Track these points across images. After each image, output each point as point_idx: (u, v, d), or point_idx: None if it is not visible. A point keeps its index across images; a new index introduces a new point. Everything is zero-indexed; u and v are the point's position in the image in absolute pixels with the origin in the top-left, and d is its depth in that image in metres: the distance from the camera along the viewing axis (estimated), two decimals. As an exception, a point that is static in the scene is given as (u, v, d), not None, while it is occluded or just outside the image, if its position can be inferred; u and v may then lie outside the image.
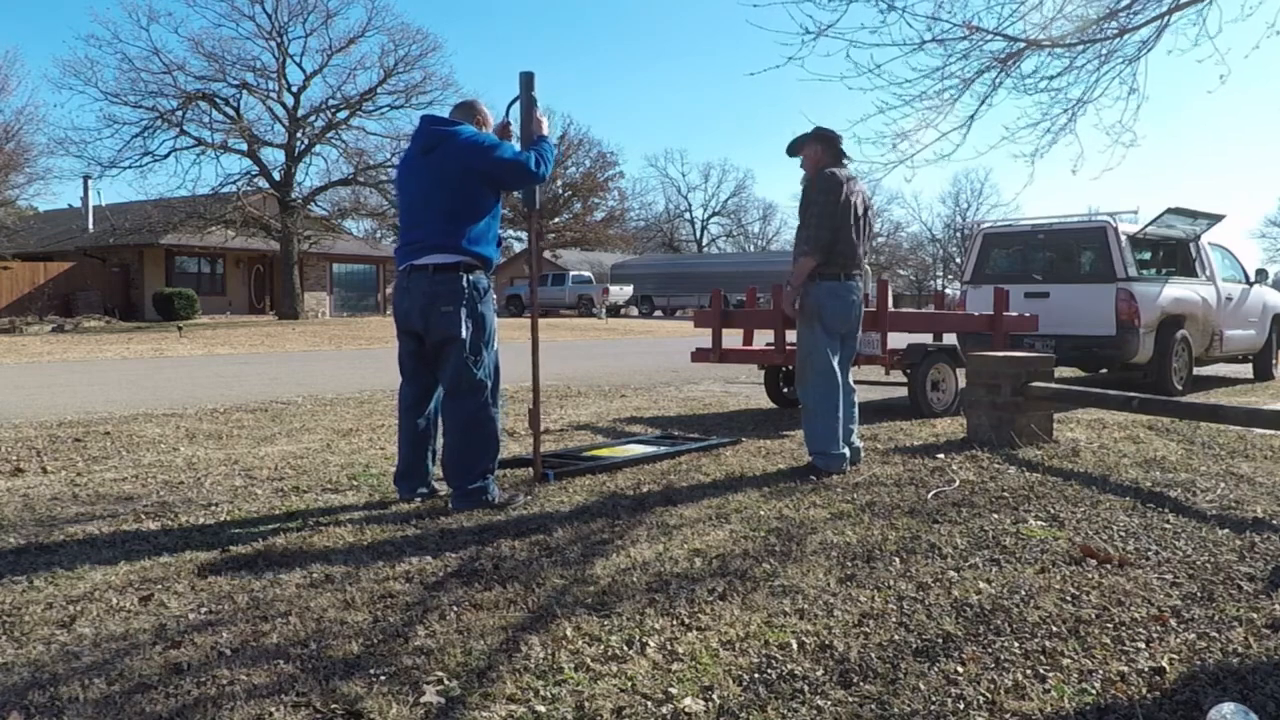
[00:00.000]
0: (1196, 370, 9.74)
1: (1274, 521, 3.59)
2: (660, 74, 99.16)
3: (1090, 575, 2.97)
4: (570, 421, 6.80)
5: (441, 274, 3.96)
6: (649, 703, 2.13)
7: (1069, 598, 2.78)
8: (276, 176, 28.44)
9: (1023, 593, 2.81)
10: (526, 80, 4.38)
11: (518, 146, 4.31)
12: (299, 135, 29.09)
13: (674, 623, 2.61)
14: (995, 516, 3.68)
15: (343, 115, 29.56)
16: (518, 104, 4.40)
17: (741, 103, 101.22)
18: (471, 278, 4.00)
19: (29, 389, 9.58)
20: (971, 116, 5.64)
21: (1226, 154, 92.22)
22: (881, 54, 5.45)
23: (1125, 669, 2.29)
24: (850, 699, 2.15)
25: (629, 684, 2.23)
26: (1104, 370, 9.97)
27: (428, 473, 4.22)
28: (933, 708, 2.11)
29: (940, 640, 2.47)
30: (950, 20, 5.28)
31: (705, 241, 71.89)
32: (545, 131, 4.33)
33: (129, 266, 30.51)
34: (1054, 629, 2.54)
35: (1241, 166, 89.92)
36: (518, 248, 41.56)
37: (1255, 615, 2.63)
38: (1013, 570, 3.04)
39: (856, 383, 8.64)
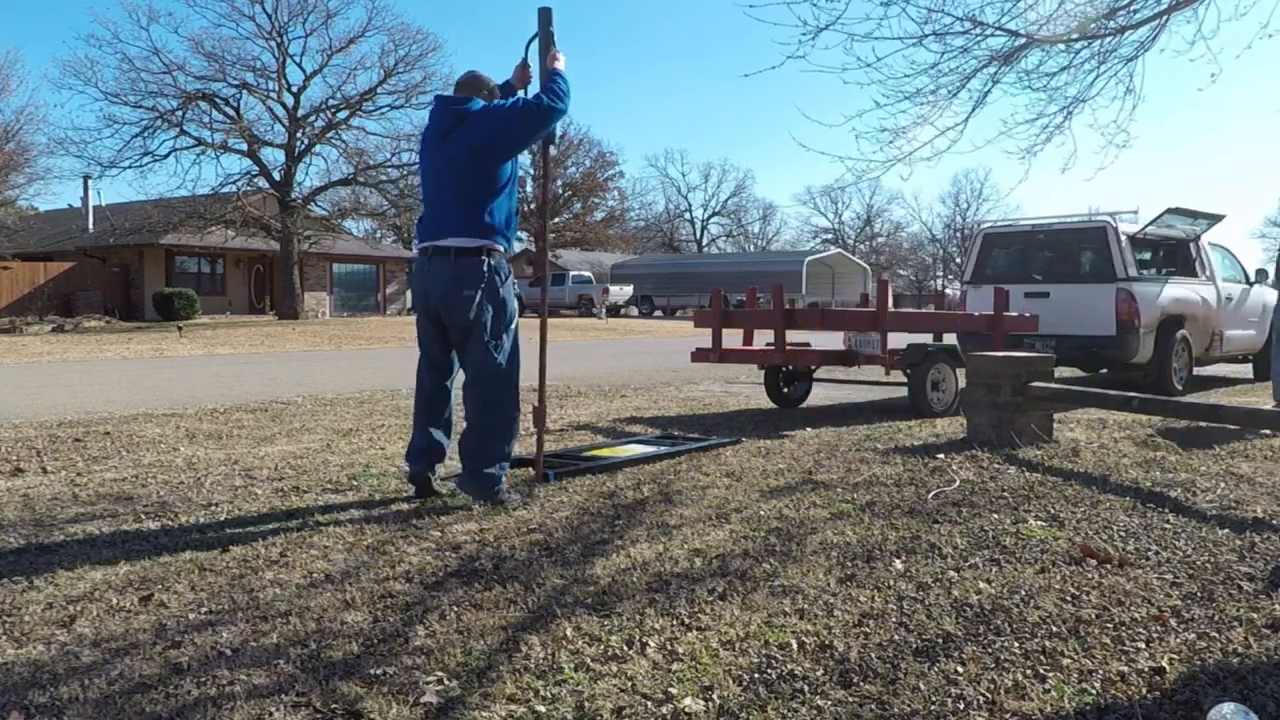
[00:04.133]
0: (1196, 370, 9.74)
1: (1274, 521, 3.59)
2: (660, 74, 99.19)
3: (1090, 575, 2.97)
4: (570, 421, 6.80)
5: (464, 258, 3.98)
6: (649, 703, 2.13)
7: (1069, 598, 2.78)
8: (276, 176, 28.45)
9: (1023, 593, 2.81)
10: (545, 16, 4.33)
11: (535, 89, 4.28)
12: (299, 135, 29.10)
13: (674, 623, 2.61)
14: (995, 516, 3.68)
15: (343, 115, 29.60)
16: (536, 41, 4.34)
17: (741, 103, 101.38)
18: (493, 262, 4.03)
19: (29, 389, 9.58)
20: (969, 114, 5.64)
21: (1226, 153, 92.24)
22: (881, 48, 5.43)
23: (1125, 669, 2.29)
24: (850, 699, 2.15)
25: (629, 684, 2.22)
26: (1104, 370, 9.97)
27: (443, 451, 4.24)
28: (933, 708, 2.11)
29: (940, 640, 2.47)
30: (951, 14, 5.28)
31: (705, 241, 71.91)
32: (560, 66, 4.25)
33: (129, 266, 30.50)
34: (1054, 629, 2.54)
35: (1241, 166, 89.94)
36: (517, 248, 41.63)
37: (1255, 615, 2.63)
38: (1013, 570, 3.04)
39: (856, 382, 8.69)
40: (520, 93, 4.35)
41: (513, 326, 4.15)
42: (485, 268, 4.00)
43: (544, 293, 4.48)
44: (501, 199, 4.07)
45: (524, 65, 4.39)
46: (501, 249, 4.07)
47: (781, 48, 5.40)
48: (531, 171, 36.15)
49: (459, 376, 4.28)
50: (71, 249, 30.69)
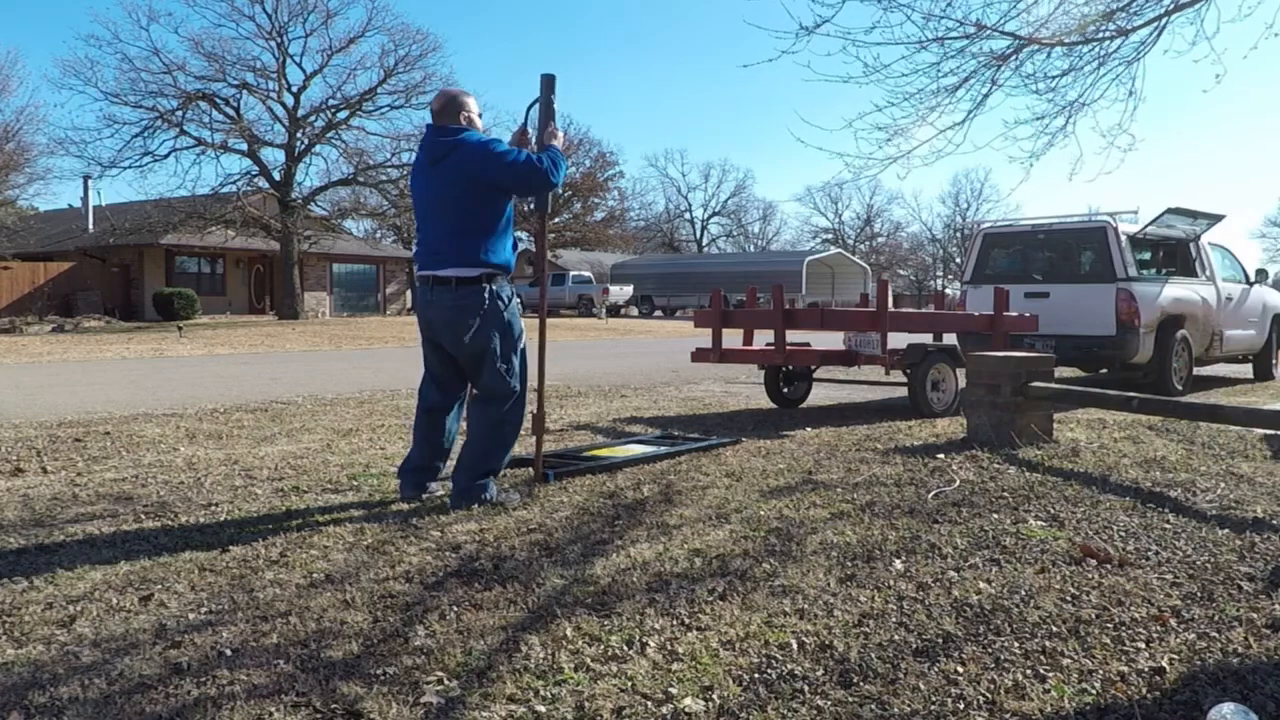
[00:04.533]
0: (1196, 370, 9.74)
1: (1274, 521, 3.59)
2: (660, 74, 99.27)
3: (1090, 575, 2.97)
4: (570, 421, 6.80)
5: (465, 287, 3.95)
6: (649, 703, 2.13)
7: (1069, 598, 2.78)
8: (276, 176, 28.44)
9: (1023, 593, 2.81)
10: (548, 83, 4.33)
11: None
12: (299, 135, 29.08)
13: (674, 623, 2.61)
14: (995, 516, 3.68)
15: (343, 115, 29.57)
16: (537, 106, 4.34)
17: (741, 103, 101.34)
18: (494, 288, 4.00)
19: (29, 389, 9.58)
20: (969, 115, 5.64)
21: (1227, 154, 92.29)
22: (884, 54, 5.44)
23: (1125, 669, 2.29)
24: (850, 699, 2.15)
25: (629, 684, 2.22)
26: (1104, 370, 9.97)
27: (436, 473, 4.23)
28: (933, 708, 2.11)
29: (940, 640, 2.47)
30: (951, 17, 5.27)
31: (705, 241, 71.92)
32: (558, 142, 4.25)
33: (129, 266, 30.51)
34: (1054, 629, 2.54)
35: (1242, 166, 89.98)
36: (518, 247, 41.62)
37: (1255, 615, 2.63)
38: (1013, 570, 3.04)
39: (856, 382, 8.70)
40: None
41: (520, 346, 4.14)
42: (487, 294, 3.97)
43: (543, 299, 4.48)
44: (499, 226, 4.04)
45: (523, 132, 4.36)
46: (502, 274, 4.05)
47: (779, 41, 5.41)
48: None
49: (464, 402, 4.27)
50: (71, 249, 30.68)
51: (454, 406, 4.25)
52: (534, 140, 4.35)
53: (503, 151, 4.01)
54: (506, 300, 4.06)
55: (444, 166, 3.97)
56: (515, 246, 4.19)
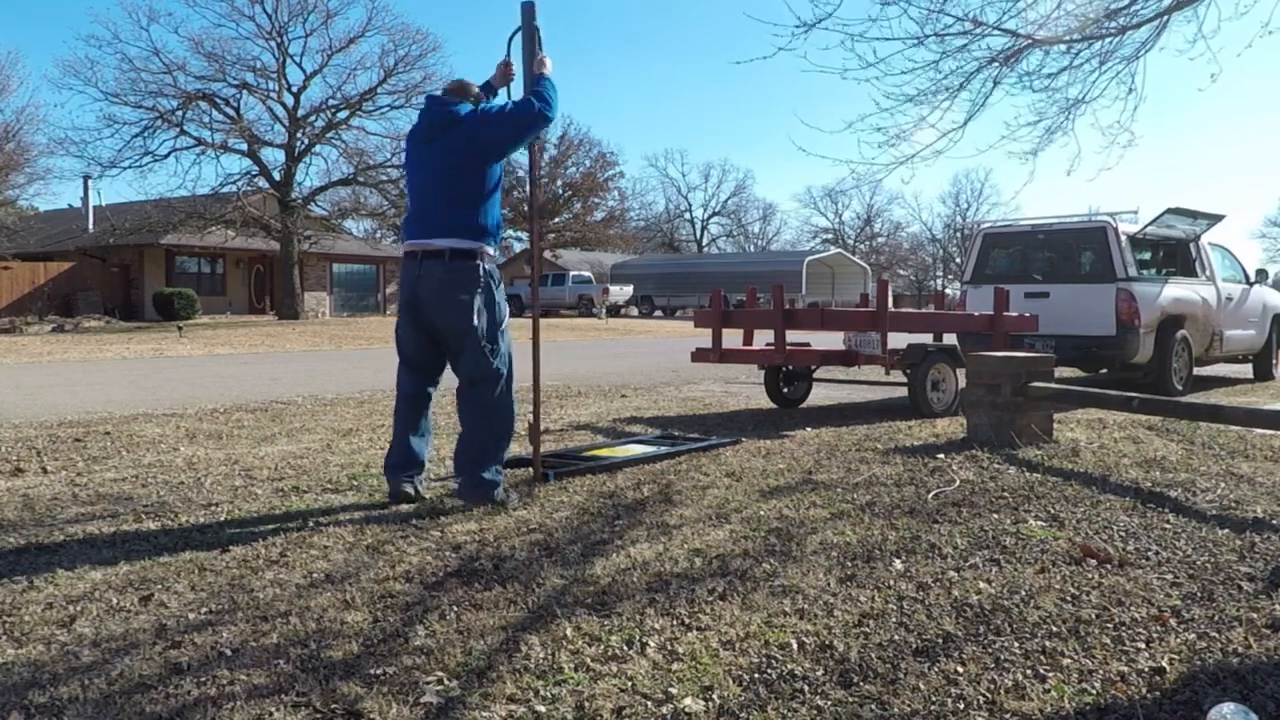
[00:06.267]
0: (1196, 370, 9.74)
1: (1274, 521, 3.59)
2: (660, 74, 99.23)
3: (1090, 575, 2.97)
4: (570, 421, 6.80)
5: (457, 260, 3.95)
6: (649, 703, 2.13)
7: (1069, 598, 2.78)
8: (276, 176, 28.43)
9: (1023, 593, 2.81)
10: (528, 11, 4.25)
11: (519, 91, 4.25)
12: (299, 135, 29.07)
13: (674, 623, 2.61)
14: (995, 516, 3.68)
15: (343, 115, 29.57)
16: (519, 37, 4.26)
17: (741, 103, 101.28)
18: (486, 266, 4.01)
19: (29, 389, 9.58)
20: (969, 115, 5.63)
21: (1227, 153, 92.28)
22: (882, 48, 5.41)
23: (1125, 669, 2.29)
24: (850, 699, 2.15)
25: (629, 684, 2.22)
26: (1104, 370, 9.97)
27: (422, 467, 4.20)
28: (933, 708, 2.11)
29: (940, 640, 2.47)
30: (951, 14, 5.26)
31: (705, 241, 71.91)
32: (547, 71, 4.20)
33: (129, 266, 30.50)
34: (1054, 629, 2.54)
35: (1239, 162, 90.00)
36: (518, 248, 41.71)
37: (1255, 615, 2.63)
38: (1013, 570, 3.04)
39: (856, 382, 8.70)
40: (502, 92, 4.29)
41: (505, 328, 4.13)
42: (480, 271, 3.97)
43: (535, 295, 4.47)
44: (492, 202, 4.05)
45: (506, 64, 4.32)
46: (492, 251, 4.06)
47: (775, 39, 5.40)
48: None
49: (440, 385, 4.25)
50: (71, 249, 30.67)
51: (431, 394, 4.22)
52: (519, 72, 4.31)
53: (494, 110, 4.04)
54: (496, 280, 4.08)
55: (443, 141, 3.99)
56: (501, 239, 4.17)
